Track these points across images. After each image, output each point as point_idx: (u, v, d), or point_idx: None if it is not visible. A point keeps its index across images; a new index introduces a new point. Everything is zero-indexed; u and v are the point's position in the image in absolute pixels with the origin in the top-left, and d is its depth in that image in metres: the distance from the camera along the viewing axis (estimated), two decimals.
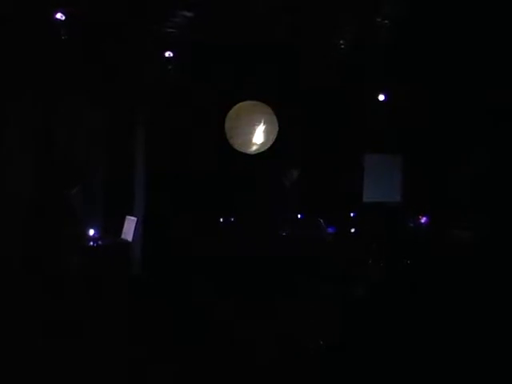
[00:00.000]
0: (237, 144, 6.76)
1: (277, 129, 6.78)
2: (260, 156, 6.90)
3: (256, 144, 6.72)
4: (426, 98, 7.00)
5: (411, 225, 7.75)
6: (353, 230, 7.67)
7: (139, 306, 5.34)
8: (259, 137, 6.66)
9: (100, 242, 6.50)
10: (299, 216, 7.66)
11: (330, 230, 7.41)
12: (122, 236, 6.62)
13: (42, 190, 6.10)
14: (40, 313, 4.77)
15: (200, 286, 5.93)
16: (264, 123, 6.62)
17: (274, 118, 6.74)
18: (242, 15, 6.01)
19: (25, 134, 6.04)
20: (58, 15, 5.91)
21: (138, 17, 6.06)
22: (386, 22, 6.28)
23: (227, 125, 6.77)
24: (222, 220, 7.65)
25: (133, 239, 6.55)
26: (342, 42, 6.55)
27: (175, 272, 6.41)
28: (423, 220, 7.71)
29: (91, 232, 6.51)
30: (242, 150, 6.80)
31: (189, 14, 6.09)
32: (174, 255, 6.74)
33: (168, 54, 6.59)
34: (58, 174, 6.27)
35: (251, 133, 6.64)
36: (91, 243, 6.45)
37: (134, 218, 6.60)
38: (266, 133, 6.66)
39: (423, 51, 6.40)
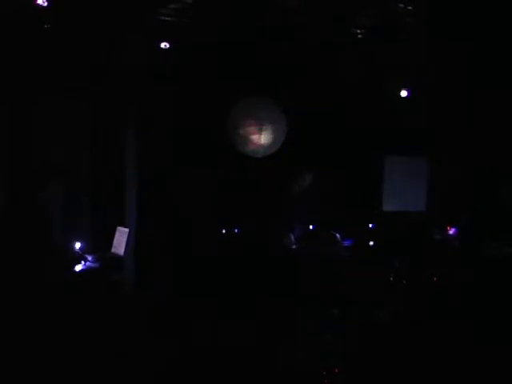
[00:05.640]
0: (241, 147, 6.34)
1: (285, 129, 6.31)
2: (266, 159, 6.38)
3: (262, 146, 6.23)
4: (455, 92, 6.41)
5: (438, 237, 7.16)
6: (371, 243, 7.06)
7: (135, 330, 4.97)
8: (265, 138, 6.17)
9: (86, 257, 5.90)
10: (311, 227, 7.08)
11: (345, 243, 6.81)
12: (113, 250, 6.03)
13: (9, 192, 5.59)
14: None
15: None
16: (271, 122, 6.15)
17: (283, 117, 6.25)
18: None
19: None
20: (40, 0, 5.37)
21: (130, 3, 5.60)
22: (410, 8, 5.77)
23: (230, 126, 6.33)
24: (224, 231, 7.05)
25: (125, 253, 5.92)
26: (358, 30, 6.01)
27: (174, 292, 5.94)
28: (452, 232, 7.12)
29: (77, 245, 5.92)
30: (247, 152, 6.36)
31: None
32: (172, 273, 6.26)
33: (164, 45, 6.04)
34: (30, 175, 5.75)
35: (257, 133, 6.17)
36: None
37: (125, 230, 6.00)
38: (274, 133, 6.15)
39: (453, 38, 5.79)
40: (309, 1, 5.64)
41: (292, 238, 6.70)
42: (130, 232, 5.96)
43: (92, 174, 6.35)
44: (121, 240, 5.96)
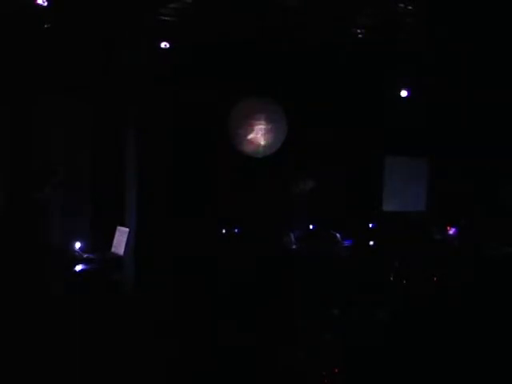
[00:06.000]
0: (241, 147, 6.32)
1: (285, 129, 6.28)
2: (267, 160, 6.36)
3: (262, 146, 6.21)
4: (456, 93, 6.37)
5: (438, 237, 7.13)
6: (371, 243, 7.03)
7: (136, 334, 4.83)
8: (265, 138, 6.14)
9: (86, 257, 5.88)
10: (311, 227, 7.05)
11: (345, 243, 6.78)
12: (113, 250, 5.99)
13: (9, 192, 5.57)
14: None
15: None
16: (271, 122, 6.12)
17: (283, 117, 6.23)
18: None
19: None
20: (40, 0, 5.35)
21: (130, 3, 5.58)
22: (410, 8, 5.73)
23: (230, 126, 6.31)
24: (224, 231, 7.02)
25: (124, 253, 5.90)
26: (359, 30, 5.98)
27: (174, 292, 5.85)
28: (452, 232, 7.07)
29: (77, 245, 5.89)
30: (248, 152, 6.34)
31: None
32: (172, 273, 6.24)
33: (164, 45, 6.04)
34: (30, 175, 5.70)
35: (257, 133, 6.15)
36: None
37: (125, 229, 5.98)
38: (274, 133, 6.12)
39: (453, 38, 5.77)
40: (309, 1, 5.61)
41: (292, 237, 6.67)
42: (130, 232, 5.93)
43: (92, 174, 6.31)
44: (121, 240, 5.93)
